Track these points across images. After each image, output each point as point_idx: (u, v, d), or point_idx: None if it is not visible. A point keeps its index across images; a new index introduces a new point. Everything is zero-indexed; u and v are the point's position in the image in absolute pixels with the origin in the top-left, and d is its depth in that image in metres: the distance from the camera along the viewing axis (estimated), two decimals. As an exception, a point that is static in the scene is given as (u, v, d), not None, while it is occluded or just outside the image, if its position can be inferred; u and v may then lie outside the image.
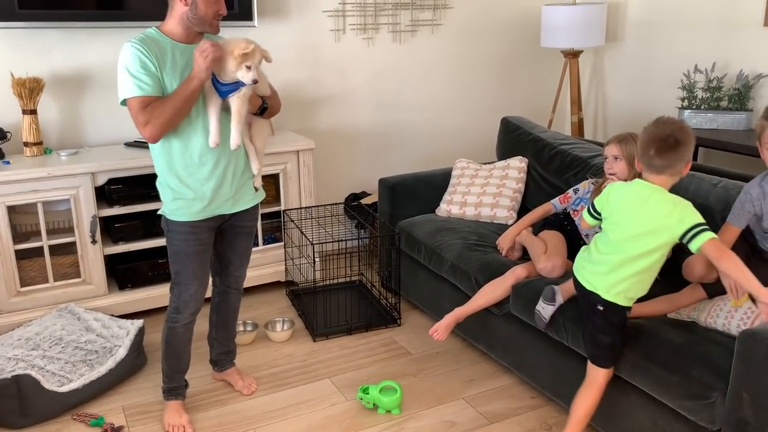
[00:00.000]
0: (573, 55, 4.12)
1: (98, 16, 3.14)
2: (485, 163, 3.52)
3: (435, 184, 3.46)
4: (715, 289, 2.16)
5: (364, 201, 3.82)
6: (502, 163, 3.46)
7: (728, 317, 2.06)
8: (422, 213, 3.38)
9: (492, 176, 3.38)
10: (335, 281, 3.50)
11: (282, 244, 3.47)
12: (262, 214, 3.43)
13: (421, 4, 4.00)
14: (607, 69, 4.35)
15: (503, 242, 2.88)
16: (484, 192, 3.30)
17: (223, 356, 2.68)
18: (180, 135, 2.16)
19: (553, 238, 2.70)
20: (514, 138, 3.58)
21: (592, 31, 3.92)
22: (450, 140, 4.33)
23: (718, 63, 3.58)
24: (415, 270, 3.22)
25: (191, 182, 2.22)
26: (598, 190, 2.61)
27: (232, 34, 3.53)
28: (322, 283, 3.47)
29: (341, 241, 3.19)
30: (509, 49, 4.37)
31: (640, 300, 2.12)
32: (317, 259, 3.43)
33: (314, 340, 3.04)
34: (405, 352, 2.94)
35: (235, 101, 2.17)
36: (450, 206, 3.32)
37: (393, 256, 3.25)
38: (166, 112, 2.07)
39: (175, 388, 2.47)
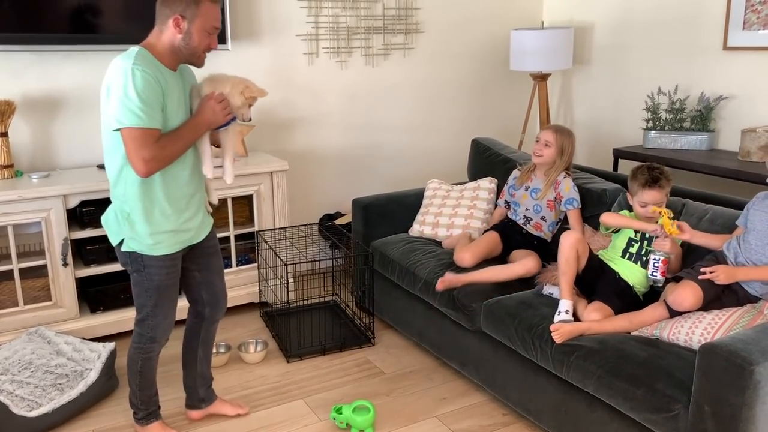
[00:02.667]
0: (542, 77, 4.22)
1: (71, 39, 3.16)
2: (456, 184, 3.58)
3: (408, 205, 3.50)
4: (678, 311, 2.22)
5: (338, 221, 3.85)
6: (473, 184, 3.51)
7: (690, 332, 2.11)
8: (395, 233, 3.42)
9: (463, 197, 3.43)
10: (309, 302, 3.51)
11: (256, 265, 3.48)
12: (236, 236, 3.44)
13: (393, 29, 4.08)
14: (574, 91, 4.46)
15: (453, 242, 3.12)
16: (456, 213, 3.35)
17: (208, 390, 2.59)
18: (170, 167, 2.10)
19: (483, 237, 3.03)
20: (484, 159, 3.65)
21: (560, 55, 4.03)
22: (422, 161, 4.39)
23: (681, 85, 3.70)
24: (389, 289, 3.25)
25: (171, 214, 2.14)
26: (525, 173, 3.04)
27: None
28: (296, 304, 3.47)
29: (315, 261, 3.21)
30: (480, 72, 4.46)
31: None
32: (291, 280, 3.44)
33: (288, 361, 3.04)
34: (379, 372, 2.95)
35: (229, 135, 2.20)
36: (422, 226, 3.36)
37: (366, 275, 3.27)
38: (174, 153, 2.03)
39: (153, 411, 2.43)
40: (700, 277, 2.17)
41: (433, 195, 3.50)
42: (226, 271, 3.45)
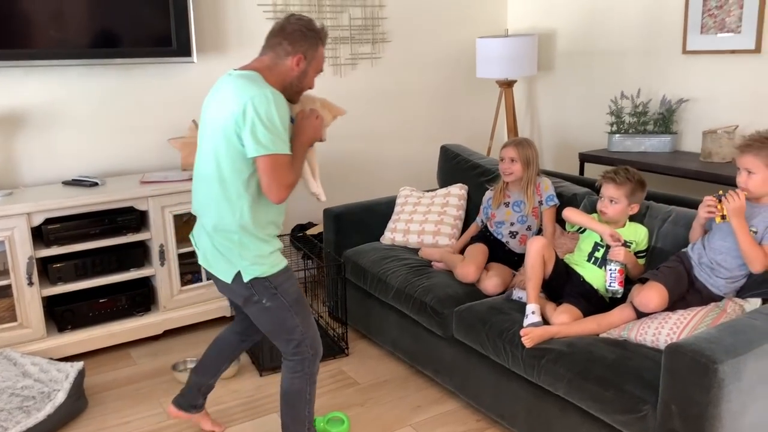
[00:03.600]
0: (507, 84, 4.27)
1: (33, 54, 3.11)
2: (427, 191, 3.60)
3: (379, 213, 3.51)
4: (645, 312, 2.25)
5: (310, 232, 3.83)
6: (443, 190, 3.53)
7: (656, 333, 2.15)
8: (367, 242, 3.42)
9: (434, 204, 3.45)
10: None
11: (227, 278, 3.45)
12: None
13: (360, 39, 4.09)
14: (540, 97, 4.52)
15: (435, 254, 3.11)
16: (426, 219, 3.36)
17: (204, 399, 2.56)
18: None
19: (473, 249, 2.98)
20: (453, 165, 3.67)
21: (525, 62, 4.08)
22: (393, 169, 4.40)
23: (643, 89, 3.77)
24: (362, 299, 3.25)
25: (276, 230, 2.15)
26: (498, 193, 3.04)
27: (169, 71, 3.57)
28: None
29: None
30: (447, 80, 4.50)
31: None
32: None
33: (261, 375, 3.01)
34: (353, 382, 2.94)
35: (313, 153, 2.20)
36: (394, 234, 3.37)
37: (339, 285, 3.26)
38: (299, 175, 2.05)
39: None
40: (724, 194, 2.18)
41: (404, 202, 3.51)
42: (196, 285, 3.43)
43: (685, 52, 3.58)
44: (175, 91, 3.60)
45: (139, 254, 3.26)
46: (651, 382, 1.96)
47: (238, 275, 2.05)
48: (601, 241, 2.52)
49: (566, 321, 2.34)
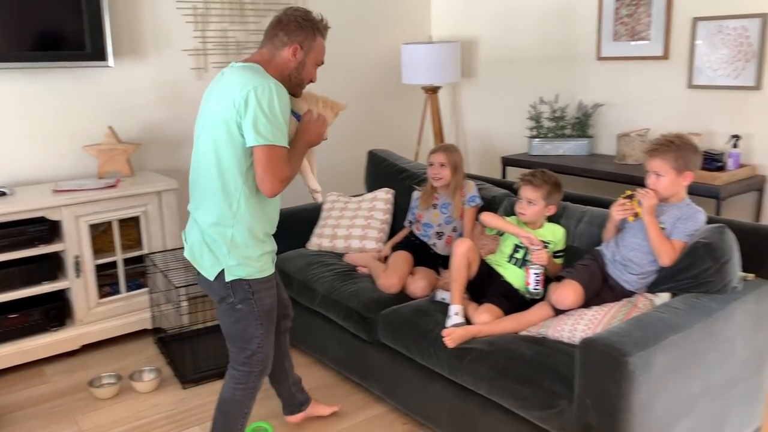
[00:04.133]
0: (432, 90, 4.32)
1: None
2: (354, 196, 3.59)
3: (304, 219, 3.47)
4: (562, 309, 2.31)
5: (235, 240, 3.75)
6: (370, 195, 3.53)
7: (572, 329, 2.21)
8: (293, 248, 3.38)
9: (360, 208, 3.44)
10: (207, 324, 3.39)
11: (147, 290, 3.34)
12: (124, 260, 3.30)
13: (284, 43, 4.05)
14: (464, 103, 4.60)
15: (359, 260, 3.11)
16: (353, 224, 3.35)
17: (303, 391, 2.60)
18: None
19: (395, 258, 2.96)
20: (380, 170, 3.68)
21: (449, 68, 4.14)
22: (320, 175, 4.36)
23: (561, 95, 3.89)
24: (288, 306, 3.20)
25: (270, 231, 2.11)
26: (426, 196, 3.03)
27: (84, 75, 3.44)
28: (193, 328, 3.35)
29: (207, 282, 3.10)
30: (373, 86, 4.51)
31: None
32: (185, 303, 3.32)
33: (184, 388, 2.93)
34: (279, 391, 2.89)
35: (313, 153, 2.21)
36: (320, 240, 3.34)
37: (264, 293, 3.20)
38: (296, 172, 2.02)
39: None
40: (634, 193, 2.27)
41: (331, 207, 3.49)
42: (115, 297, 3.30)
43: (599, 58, 3.72)
44: (91, 97, 3.47)
45: (52, 266, 3.12)
46: (567, 377, 2.01)
47: (221, 274, 2.03)
48: (521, 242, 2.58)
49: (487, 320, 2.38)
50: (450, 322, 2.38)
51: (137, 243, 3.35)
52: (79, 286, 3.15)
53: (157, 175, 3.50)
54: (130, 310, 3.33)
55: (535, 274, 2.44)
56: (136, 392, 2.89)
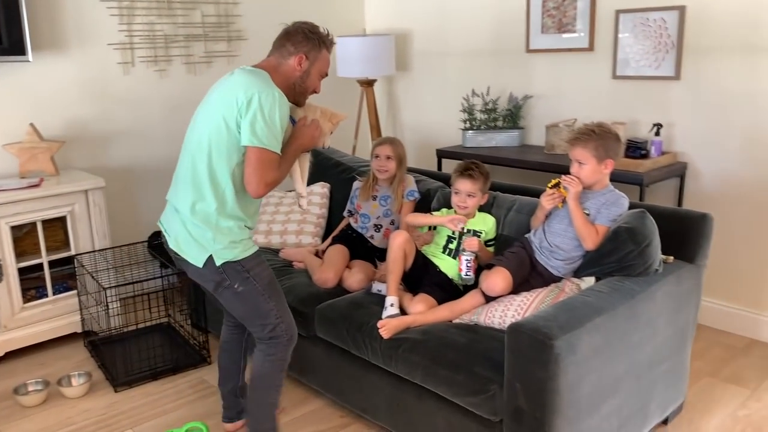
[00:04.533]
0: (368, 83, 4.32)
1: None
2: (289, 191, 3.55)
3: (239, 216, 3.41)
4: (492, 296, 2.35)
5: (169, 238, 3.67)
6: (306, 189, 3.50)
7: (502, 315, 2.25)
8: (228, 245, 3.32)
9: (296, 203, 3.41)
10: (140, 326, 3.31)
11: (75, 292, 3.22)
12: (50, 262, 3.17)
13: (215, 36, 3.98)
14: (400, 96, 4.62)
15: (296, 255, 3.10)
16: (289, 219, 3.32)
17: (243, 400, 2.52)
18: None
19: (331, 252, 2.95)
20: (315, 164, 3.65)
21: (383, 61, 4.15)
22: (256, 171, 4.31)
23: (492, 87, 3.95)
24: (224, 304, 3.15)
25: (251, 225, 2.17)
26: (367, 187, 3.05)
27: (1, 70, 3.28)
28: (124, 330, 3.26)
29: (135, 283, 3.02)
30: (308, 79, 4.47)
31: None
32: (115, 305, 3.22)
33: (116, 391, 2.84)
34: (214, 391, 2.83)
35: (303, 160, 2.26)
36: (256, 236, 3.30)
37: (198, 292, 3.14)
38: (284, 176, 2.08)
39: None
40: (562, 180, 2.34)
41: (266, 203, 3.45)
42: (42, 301, 3.18)
43: (528, 50, 3.79)
44: (10, 93, 3.32)
45: (-29, 271, 2.98)
46: (499, 362, 2.04)
47: (210, 259, 2.06)
48: (453, 233, 2.61)
49: (422, 310, 2.40)
50: (386, 313, 2.39)
51: (64, 244, 3.23)
52: (2, 291, 3.02)
53: (83, 174, 3.38)
54: (58, 314, 3.21)
55: (467, 260, 2.47)
56: (65, 398, 2.79)
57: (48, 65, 3.40)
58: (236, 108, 1.99)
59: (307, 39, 2.14)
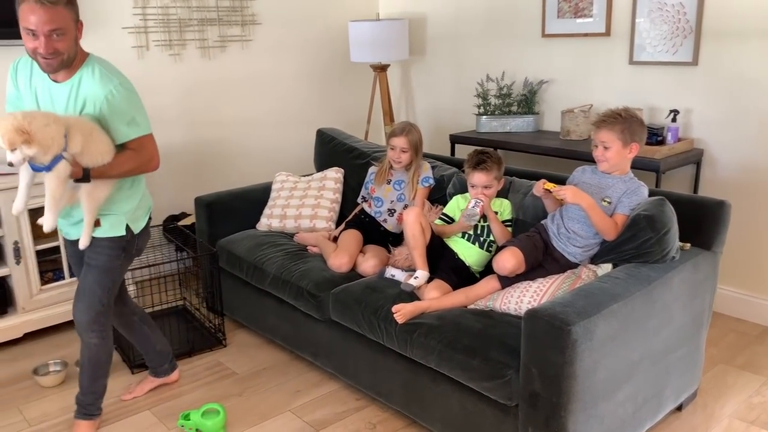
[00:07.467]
0: (381, 68, 4.30)
1: None
2: (304, 176, 3.56)
3: (254, 200, 3.43)
4: (509, 281, 2.36)
5: (183, 222, 3.69)
6: (319, 174, 3.51)
7: (518, 301, 2.25)
8: (242, 230, 3.34)
9: (310, 188, 3.42)
10: (155, 309, 3.34)
11: (92, 274, 3.25)
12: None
13: (229, 20, 3.97)
14: (413, 81, 4.60)
15: (310, 239, 3.11)
16: (303, 204, 3.33)
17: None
18: None
19: (345, 237, 2.96)
20: (329, 149, 3.65)
21: (397, 46, 4.13)
22: (269, 155, 4.32)
23: (507, 72, 3.93)
24: (239, 288, 3.17)
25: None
26: (382, 172, 3.06)
27: (16, 54, 3.29)
28: (140, 312, 3.29)
29: (152, 266, 3.05)
30: (322, 64, 4.47)
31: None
32: (132, 287, 3.25)
33: (132, 372, 2.88)
34: (230, 373, 2.87)
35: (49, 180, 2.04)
36: (270, 220, 3.32)
37: (214, 276, 3.17)
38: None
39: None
40: (553, 191, 2.32)
41: (280, 188, 3.46)
42: (59, 283, 3.21)
43: (544, 35, 3.76)
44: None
45: (-11, 253, 3.01)
46: (514, 348, 2.05)
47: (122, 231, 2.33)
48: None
49: (437, 296, 2.41)
50: (411, 281, 2.45)
51: (80, 227, 3.25)
52: (20, 273, 3.06)
53: (99, 157, 3.39)
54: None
55: (476, 201, 2.55)
56: (83, 379, 2.83)
57: (63, 49, 3.40)
58: None
59: None
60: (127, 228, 2.29)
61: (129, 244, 2.32)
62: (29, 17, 1.93)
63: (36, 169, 2.02)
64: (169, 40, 3.76)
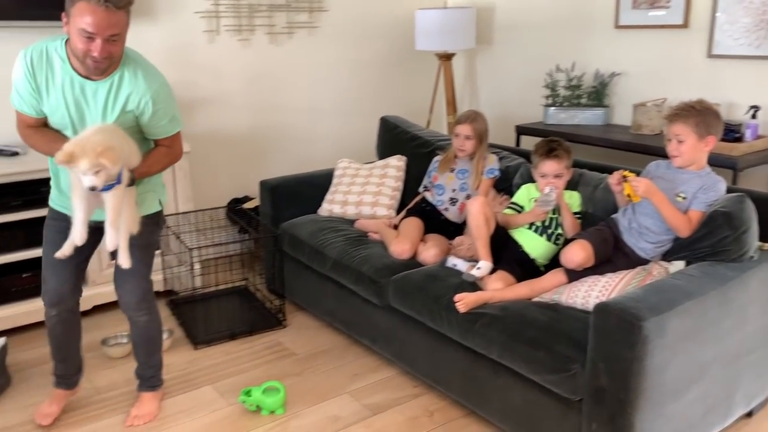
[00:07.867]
0: (446, 57, 4.27)
1: None
2: (366, 163, 3.57)
3: (317, 185, 3.46)
4: (576, 274, 2.31)
5: (248, 205, 3.76)
6: (382, 162, 3.52)
7: (586, 295, 2.20)
8: (305, 214, 3.37)
9: (372, 175, 3.43)
10: (218, 288, 3.42)
11: (159, 252, 3.35)
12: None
13: (297, 7, 4.00)
14: (479, 70, 4.54)
15: (371, 226, 3.12)
16: (365, 191, 3.34)
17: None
18: None
19: (407, 224, 2.96)
20: (392, 137, 3.65)
21: (463, 35, 4.08)
22: (332, 142, 4.35)
23: (578, 63, 3.84)
24: (300, 271, 3.21)
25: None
26: (447, 160, 3.04)
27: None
28: (204, 291, 3.37)
29: (220, 245, 3.12)
30: (386, 52, 4.46)
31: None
32: (197, 266, 3.33)
33: (195, 348, 2.95)
34: (290, 353, 2.92)
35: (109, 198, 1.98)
36: (332, 206, 3.34)
37: (275, 258, 3.22)
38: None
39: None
40: (629, 179, 2.27)
41: (342, 174, 3.48)
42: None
43: (617, 27, 3.65)
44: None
45: (65, 227, 3.12)
46: (580, 342, 2.01)
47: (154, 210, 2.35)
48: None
49: (500, 287, 2.38)
50: (474, 271, 2.43)
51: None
52: (92, 247, 3.16)
53: (169, 138, 3.48)
54: (142, 272, 3.34)
55: (550, 188, 2.52)
56: (149, 352, 2.92)
57: (138, 31, 3.48)
58: None
59: None
60: (159, 202, 2.35)
61: (160, 217, 2.38)
62: (88, 18, 1.84)
63: (106, 188, 1.95)
64: (239, 26, 3.82)
